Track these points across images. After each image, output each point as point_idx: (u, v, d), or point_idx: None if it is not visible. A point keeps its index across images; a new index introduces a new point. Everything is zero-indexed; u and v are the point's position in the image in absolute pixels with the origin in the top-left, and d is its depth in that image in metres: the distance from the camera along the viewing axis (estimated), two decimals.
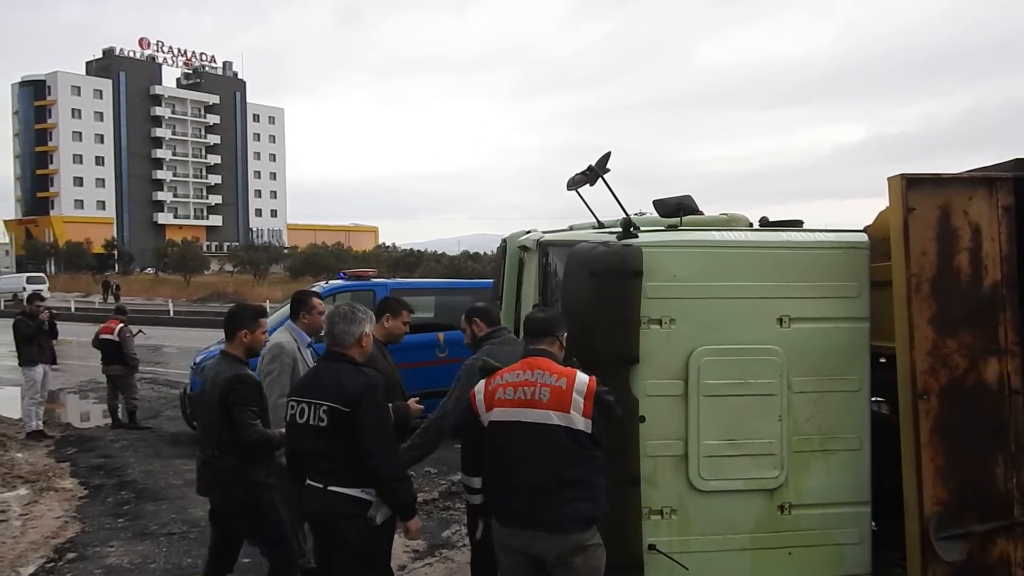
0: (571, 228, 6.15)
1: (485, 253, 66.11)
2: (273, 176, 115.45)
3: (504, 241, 6.09)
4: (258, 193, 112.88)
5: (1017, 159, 4.53)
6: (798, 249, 4.57)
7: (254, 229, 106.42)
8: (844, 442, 4.56)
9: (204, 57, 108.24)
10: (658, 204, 4.68)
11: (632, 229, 4.44)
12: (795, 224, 5.31)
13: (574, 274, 4.53)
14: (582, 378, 3.78)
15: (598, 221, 5.42)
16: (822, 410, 4.54)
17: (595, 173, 4.65)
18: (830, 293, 4.54)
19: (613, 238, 4.50)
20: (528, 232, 5.90)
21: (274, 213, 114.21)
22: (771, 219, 5.77)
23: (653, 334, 4.39)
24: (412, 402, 4.85)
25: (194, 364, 10.59)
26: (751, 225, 5.76)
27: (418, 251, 68.62)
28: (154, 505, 7.65)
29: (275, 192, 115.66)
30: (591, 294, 4.38)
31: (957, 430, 4.37)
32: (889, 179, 4.47)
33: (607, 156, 4.66)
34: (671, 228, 4.74)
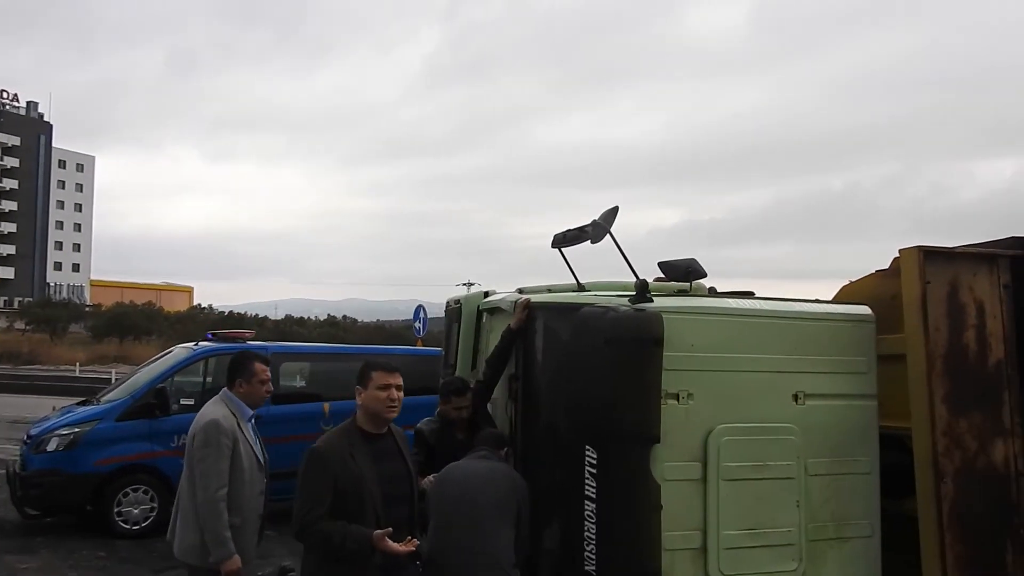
0: (519, 291, 5.62)
1: (309, 318, 63.53)
2: (78, 227, 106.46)
3: (456, 303, 5.47)
4: (59, 245, 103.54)
5: (1015, 237, 4.52)
6: (812, 320, 4.31)
7: (52, 284, 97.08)
8: (857, 529, 4.28)
9: (5, 95, 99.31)
10: (665, 267, 4.28)
11: (648, 293, 4.01)
12: (747, 295, 5.09)
13: (583, 342, 4.01)
14: None
15: (578, 283, 4.96)
16: (835, 495, 4.25)
17: (602, 229, 4.19)
18: (843, 368, 4.30)
19: (624, 302, 4.04)
20: (488, 294, 5.33)
21: (76, 267, 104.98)
22: (719, 289, 5.56)
23: (671, 410, 3.95)
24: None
25: (27, 438, 8.94)
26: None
27: (238, 314, 64.89)
28: None
29: (79, 245, 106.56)
30: (606, 365, 3.88)
31: (971, 515, 4.19)
32: (903, 251, 4.32)
33: (614, 211, 4.23)
34: (681, 293, 4.36)
